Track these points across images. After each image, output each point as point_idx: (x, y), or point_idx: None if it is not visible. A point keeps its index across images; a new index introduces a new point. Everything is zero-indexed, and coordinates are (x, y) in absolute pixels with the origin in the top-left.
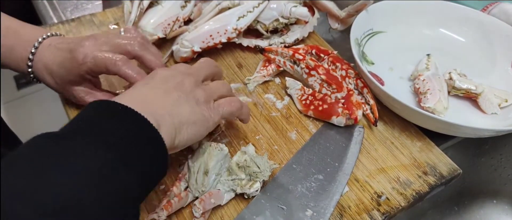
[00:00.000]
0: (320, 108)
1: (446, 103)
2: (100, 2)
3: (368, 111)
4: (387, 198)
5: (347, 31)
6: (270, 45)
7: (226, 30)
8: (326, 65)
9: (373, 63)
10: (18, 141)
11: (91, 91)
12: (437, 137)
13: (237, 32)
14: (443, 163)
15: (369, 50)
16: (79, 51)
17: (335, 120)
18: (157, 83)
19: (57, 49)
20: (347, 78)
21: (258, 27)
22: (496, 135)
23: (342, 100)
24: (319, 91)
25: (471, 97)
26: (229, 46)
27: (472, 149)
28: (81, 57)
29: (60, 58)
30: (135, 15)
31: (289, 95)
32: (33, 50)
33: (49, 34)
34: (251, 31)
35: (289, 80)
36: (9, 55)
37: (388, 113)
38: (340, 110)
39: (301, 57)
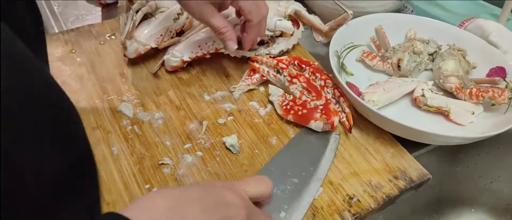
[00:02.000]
0: (300, 113)
1: (379, 101)
2: (100, 14)
3: (344, 119)
4: (358, 200)
5: (329, 43)
6: (257, 56)
7: (214, 41)
8: (307, 75)
9: (352, 74)
10: None
11: (218, 13)
12: (412, 145)
13: None
14: (414, 168)
15: (349, 62)
16: None
17: (313, 124)
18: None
19: None
20: (325, 88)
21: None
22: (466, 142)
23: (321, 107)
24: (299, 98)
25: (443, 114)
26: (218, 56)
27: (447, 157)
28: None
29: None
30: (129, 26)
31: (271, 102)
32: None
33: None
34: (239, 42)
35: (271, 88)
36: None
37: (363, 121)
38: (318, 115)
39: (284, 66)
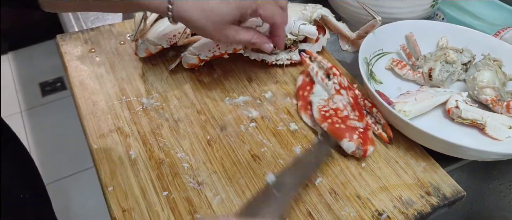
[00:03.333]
0: (337, 125)
1: (410, 111)
2: (121, 13)
3: (380, 130)
4: (388, 217)
5: (357, 51)
6: (277, 61)
7: None
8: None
9: (381, 83)
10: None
11: (240, 28)
12: (443, 159)
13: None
14: (447, 184)
15: (378, 69)
16: None
17: (345, 142)
18: None
19: None
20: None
21: None
22: (502, 159)
23: (361, 129)
24: (341, 111)
25: (478, 127)
26: (239, 59)
27: (480, 173)
28: None
29: None
30: (141, 25)
31: (310, 103)
32: None
33: None
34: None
35: (317, 87)
36: None
37: (393, 131)
38: (355, 137)
39: (337, 72)
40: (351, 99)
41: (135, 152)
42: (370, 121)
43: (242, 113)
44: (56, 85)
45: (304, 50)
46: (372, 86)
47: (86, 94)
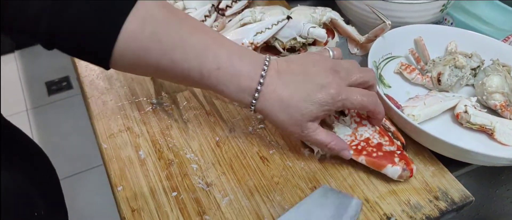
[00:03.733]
0: (375, 154)
1: (419, 115)
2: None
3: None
4: None
5: (366, 55)
6: None
7: (242, 44)
8: None
9: (390, 87)
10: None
11: (319, 128)
12: (452, 164)
13: (253, 46)
14: (456, 189)
15: (387, 73)
16: (332, 86)
17: (390, 169)
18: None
19: (294, 80)
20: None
21: (276, 44)
22: (510, 164)
23: (398, 152)
24: (372, 140)
25: (487, 132)
26: None
27: (487, 178)
28: (334, 92)
29: (305, 93)
30: None
31: None
32: (261, 80)
33: (267, 58)
34: (269, 48)
35: (338, 125)
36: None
37: (403, 136)
38: (397, 160)
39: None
40: (378, 127)
41: (144, 152)
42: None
43: (250, 115)
44: (62, 84)
45: None
46: (381, 90)
47: (96, 94)
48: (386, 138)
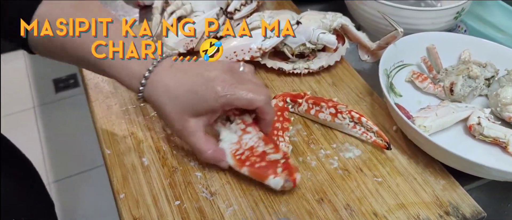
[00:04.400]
0: (257, 165)
1: (431, 126)
2: (138, 15)
3: (374, 138)
4: None
5: (377, 61)
6: (294, 69)
7: (250, 49)
8: (307, 107)
9: (401, 96)
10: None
11: (201, 133)
12: (463, 177)
13: (261, 52)
14: (467, 204)
15: (398, 82)
16: (218, 82)
17: (272, 180)
18: None
19: (184, 73)
20: (339, 114)
21: (285, 50)
22: None
23: (282, 161)
24: (256, 148)
25: (500, 145)
26: (255, 67)
27: (499, 193)
28: (220, 89)
29: (190, 84)
30: (160, 30)
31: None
32: (150, 68)
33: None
34: (278, 53)
35: (224, 132)
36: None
37: (412, 147)
38: (279, 170)
39: (236, 112)
40: (262, 133)
41: (148, 159)
42: (345, 122)
43: None
44: (69, 82)
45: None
46: (391, 99)
47: (101, 97)
48: (271, 145)
